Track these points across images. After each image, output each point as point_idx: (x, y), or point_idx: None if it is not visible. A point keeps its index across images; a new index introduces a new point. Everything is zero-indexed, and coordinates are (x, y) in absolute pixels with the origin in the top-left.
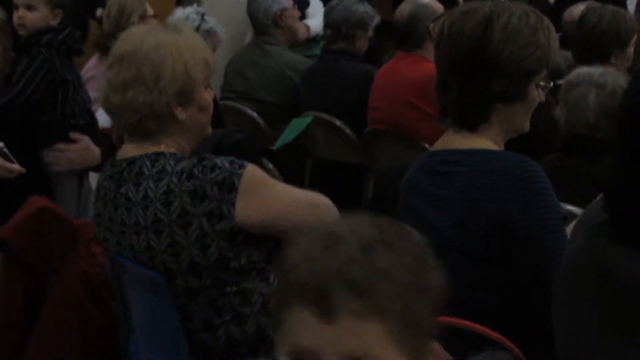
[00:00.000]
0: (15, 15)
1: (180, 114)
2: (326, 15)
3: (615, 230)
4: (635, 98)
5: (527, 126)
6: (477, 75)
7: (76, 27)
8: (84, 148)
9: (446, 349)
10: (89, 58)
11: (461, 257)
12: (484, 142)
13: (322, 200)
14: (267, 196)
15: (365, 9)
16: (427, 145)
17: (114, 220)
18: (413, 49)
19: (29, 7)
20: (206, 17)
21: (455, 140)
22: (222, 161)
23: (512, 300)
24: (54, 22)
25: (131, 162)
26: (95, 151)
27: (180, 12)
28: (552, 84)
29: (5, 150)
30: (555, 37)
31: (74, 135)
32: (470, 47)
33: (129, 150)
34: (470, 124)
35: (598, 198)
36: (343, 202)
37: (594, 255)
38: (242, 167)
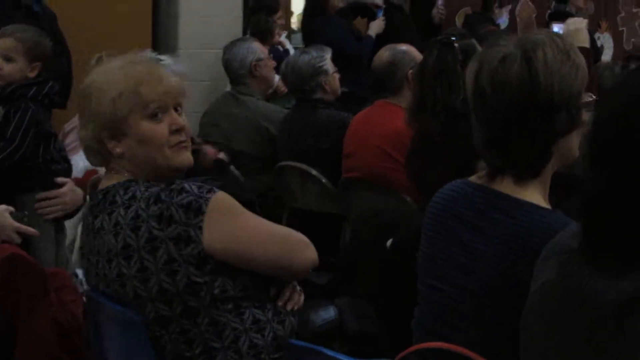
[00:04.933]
0: None
1: (114, 148)
2: (284, 81)
3: (593, 256)
4: (605, 126)
5: (577, 151)
6: (538, 120)
7: (57, 79)
8: (71, 190)
9: None
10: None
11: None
12: (537, 191)
13: (299, 237)
14: (236, 224)
15: (309, 55)
16: (403, 196)
17: (92, 250)
18: (390, 96)
19: (8, 59)
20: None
21: (504, 184)
22: (190, 185)
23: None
24: (31, 75)
25: (106, 192)
26: (80, 193)
27: None
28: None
29: (25, 215)
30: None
31: (60, 179)
32: (523, 94)
33: (104, 182)
34: (534, 170)
35: (566, 228)
36: (320, 251)
37: (569, 283)
38: (211, 192)
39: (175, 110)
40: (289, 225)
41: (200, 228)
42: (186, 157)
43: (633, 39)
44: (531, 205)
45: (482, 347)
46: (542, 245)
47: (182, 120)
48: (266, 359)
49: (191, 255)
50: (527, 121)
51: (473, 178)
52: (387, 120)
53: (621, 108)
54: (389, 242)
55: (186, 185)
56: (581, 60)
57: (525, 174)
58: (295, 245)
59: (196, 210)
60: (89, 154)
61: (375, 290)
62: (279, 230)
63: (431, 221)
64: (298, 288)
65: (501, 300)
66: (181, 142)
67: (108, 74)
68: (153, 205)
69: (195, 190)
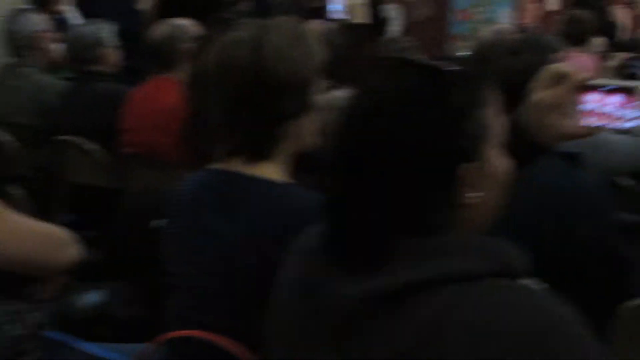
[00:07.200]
0: None
1: None
2: (66, 50)
3: (332, 258)
4: (346, 127)
5: (316, 141)
6: (265, 102)
7: None
8: None
9: None
10: None
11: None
12: (272, 169)
13: (62, 235)
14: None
15: (94, 26)
16: (181, 172)
17: None
18: (168, 70)
19: None
20: None
21: (240, 164)
22: None
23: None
24: None
25: None
26: None
27: None
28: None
29: None
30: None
31: None
32: (250, 76)
33: None
34: (264, 151)
35: (310, 228)
36: (95, 228)
37: (309, 281)
38: None
39: None
40: (66, 199)
41: None
42: None
43: (419, 11)
44: (267, 181)
45: (233, 330)
46: (280, 218)
47: None
48: (27, 348)
49: None
50: (253, 103)
51: (211, 165)
52: (163, 95)
53: (362, 109)
54: (153, 223)
55: None
56: (315, 47)
57: (255, 155)
58: (56, 244)
59: None
60: None
61: (144, 272)
62: (41, 228)
63: (175, 210)
64: None
65: (250, 280)
66: None
67: None
68: None
69: None
